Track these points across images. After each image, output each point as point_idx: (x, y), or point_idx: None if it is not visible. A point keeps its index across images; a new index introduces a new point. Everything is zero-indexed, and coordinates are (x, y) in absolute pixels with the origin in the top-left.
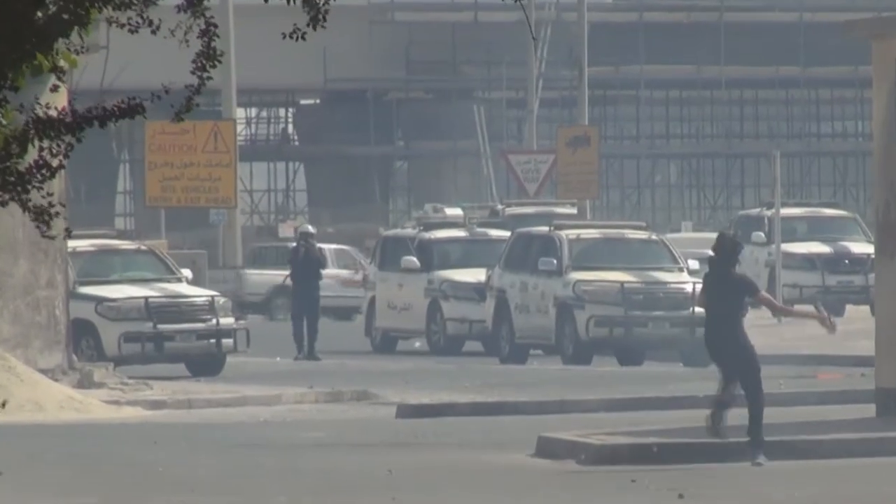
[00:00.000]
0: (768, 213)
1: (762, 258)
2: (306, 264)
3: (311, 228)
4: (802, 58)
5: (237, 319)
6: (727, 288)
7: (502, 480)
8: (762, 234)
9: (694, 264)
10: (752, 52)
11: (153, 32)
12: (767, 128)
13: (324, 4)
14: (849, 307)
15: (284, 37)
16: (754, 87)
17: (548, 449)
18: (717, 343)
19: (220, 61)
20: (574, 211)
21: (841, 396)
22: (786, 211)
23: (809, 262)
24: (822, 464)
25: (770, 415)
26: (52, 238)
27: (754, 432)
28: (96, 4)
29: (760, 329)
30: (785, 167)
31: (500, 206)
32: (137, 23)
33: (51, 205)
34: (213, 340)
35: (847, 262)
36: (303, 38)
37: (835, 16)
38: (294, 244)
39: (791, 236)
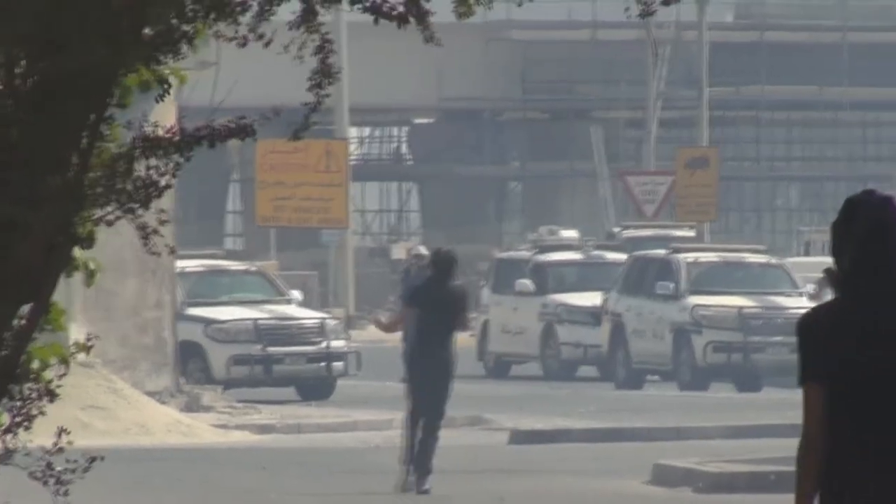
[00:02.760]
0: None
1: None
2: None
3: (423, 250)
4: None
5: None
6: None
7: None
8: None
9: (810, 288)
10: (876, 72)
11: (265, 46)
12: (890, 150)
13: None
14: None
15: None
16: (878, 110)
17: (663, 476)
18: None
19: (337, 78)
20: (692, 234)
21: None
22: None
23: None
24: None
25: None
26: (158, 255)
27: None
28: (206, 19)
29: None
30: None
31: (615, 230)
32: (247, 37)
33: (161, 222)
34: (323, 363)
35: None
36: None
37: None
38: (405, 265)
39: None
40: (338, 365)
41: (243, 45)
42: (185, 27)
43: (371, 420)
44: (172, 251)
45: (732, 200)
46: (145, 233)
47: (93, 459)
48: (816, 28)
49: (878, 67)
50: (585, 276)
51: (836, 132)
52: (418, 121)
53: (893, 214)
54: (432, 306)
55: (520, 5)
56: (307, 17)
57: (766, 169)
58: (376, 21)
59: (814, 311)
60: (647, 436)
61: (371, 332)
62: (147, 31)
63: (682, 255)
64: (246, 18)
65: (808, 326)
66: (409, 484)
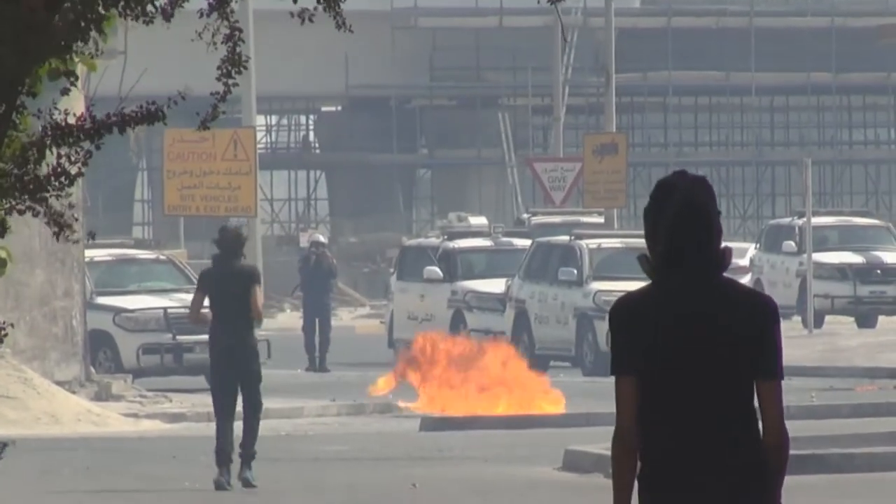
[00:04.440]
0: (799, 222)
1: (793, 268)
2: (317, 274)
3: (322, 238)
4: (834, 64)
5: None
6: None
7: (529, 495)
8: (793, 244)
9: None
10: (783, 57)
11: (167, 20)
12: (798, 135)
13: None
14: (881, 318)
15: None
16: (785, 94)
17: (575, 462)
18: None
19: (245, 67)
20: (601, 220)
21: (874, 409)
22: (817, 220)
23: (841, 272)
24: (855, 478)
25: (803, 428)
26: (76, 242)
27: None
28: (114, 6)
29: (795, 341)
30: (816, 175)
31: (525, 216)
32: (151, 13)
33: (70, 205)
34: None
35: (879, 272)
36: (311, 20)
37: (867, 21)
38: (304, 254)
39: (822, 246)
40: None
41: (150, 23)
42: (94, 14)
43: (281, 408)
44: (92, 237)
45: (641, 186)
46: (60, 222)
47: (4, 445)
48: (723, 13)
49: (785, 52)
50: (494, 262)
51: (743, 117)
52: (326, 109)
53: (706, 196)
54: (221, 287)
55: None
56: (219, 5)
57: (674, 154)
58: (295, 1)
59: (625, 299)
60: (557, 422)
61: (280, 321)
62: (56, 19)
63: (584, 241)
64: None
65: (620, 315)
66: (222, 483)
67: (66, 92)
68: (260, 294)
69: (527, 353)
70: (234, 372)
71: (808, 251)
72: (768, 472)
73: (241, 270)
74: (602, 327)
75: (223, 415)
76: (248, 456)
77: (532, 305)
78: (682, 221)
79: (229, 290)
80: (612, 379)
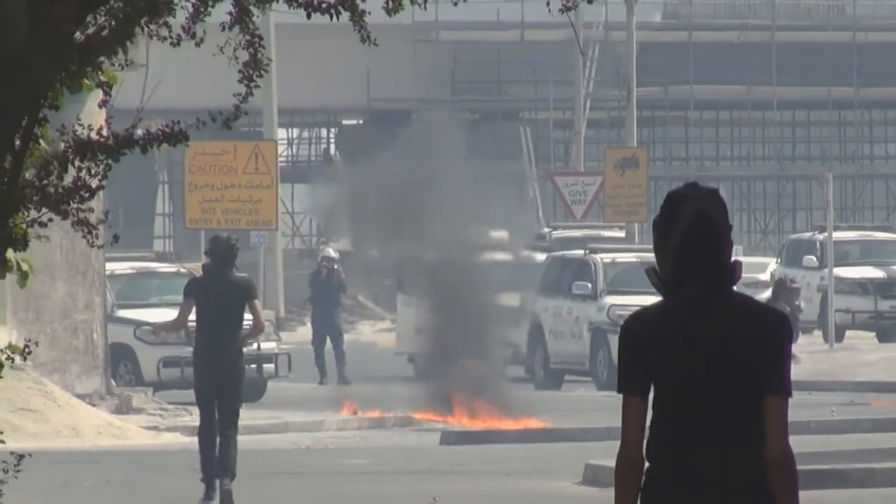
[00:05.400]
0: (820, 236)
1: (814, 283)
2: (328, 288)
3: (332, 252)
4: (856, 78)
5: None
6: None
7: None
8: (814, 259)
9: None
10: (805, 72)
11: (197, 45)
12: (820, 150)
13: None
14: None
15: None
16: (806, 108)
17: (595, 477)
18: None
19: (266, 70)
20: (622, 234)
21: (895, 424)
22: (838, 235)
23: (862, 286)
24: (876, 493)
25: (823, 442)
26: (101, 247)
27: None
28: (139, 22)
29: (815, 355)
30: (837, 190)
31: (545, 230)
32: (180, 36)
33: (90, 210)
34: (253, 365)
35: None
36: (337, 16)
37: (889, 35)
38: (315, 268)
39: (843, 260)
40: (269, 367)
41: (176, 44)
42: (120, 29)
43: (302, 422)
44: (116, 239)
45: (662, 201)
46: (87, 228)
47: (21, 457)
48: (744, 27)
49: (806, 66)
50: (515, 276)
51: (764, 131)
52: (347, 122)
53: (718, 209)
54: (210, 298)
55: (455, 4)
56: (241, 18)
57: (696, 169)
58: (309, 16)
59: (635, 317)
60: (577, 436)
61: (301, 334)
62: (79, 35)
63: (599, 256)
64: (179, 20)
65: (628, 334)
66: (205, 501)
67: (103, 104)
68: (260, 307)
69: (541, 366)
70: (218, 387)
71: (830, 266)
72: (774, 488)
73: (236, 283)
74: (616, 342)
75: (210, 432)
76: (229, 473)
77: (547, 319)
78: (693, 234)
79: (221, 302)
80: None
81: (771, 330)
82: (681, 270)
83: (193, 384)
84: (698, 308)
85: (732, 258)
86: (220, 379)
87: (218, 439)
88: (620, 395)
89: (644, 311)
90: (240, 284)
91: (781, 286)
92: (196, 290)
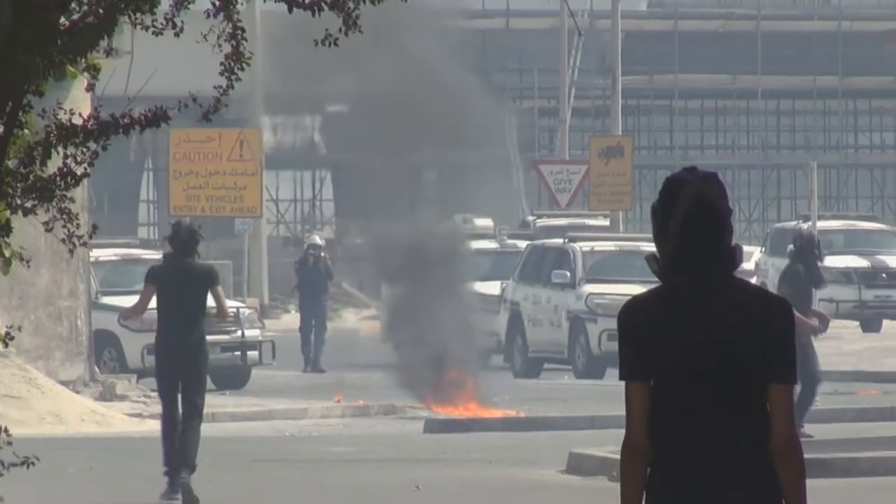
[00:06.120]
0: (804, 226)
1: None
2: (314, 276)
3: (318, 239)
4: (840, 68)
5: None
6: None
7: (533, 497)
8: None
9: None
10: (790, 61)
11: (176, 35)
12: (804, 139)
13: (354, 10)
14: (886, 322)
15: (317, 44)
16: (791, 98)
17: (579, 465)
18: None
19: (248, 64)
20: (607, 223)
21: (879, 413)
22: (822, 224)
23: (846, 276)
24: (860, 482)
25: (808, 431)
26: (84, 244)
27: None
28: (124, 9)
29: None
30: (822, 179)
31: (530, 218)
32: (162, 24)
33: (71, 200)
34: (237, 353)
35: (885, 276)
36: (335, 44)
37: (874, 25)
38: (301, 256)
39: (828, 250)
40: (252, 354)
41: (159, 34)
42: (105, 17)
43: (286, 409)
44: (95, 229)
45: (647, 189)
46: (67, 218)
47: (26, 459)
48: (729, 16)
49: (791, 56)
50: (499, 264)
51: (749, 120)
52: (332, 109)
53: (718, 193)
54: (171, 286)
55: None
56: (226, 6)
57: (680, 158)
58: (290, 10)
59: (634, 303)
60: (561, 424)
61: (284, 322)
62: (64, 22)
63: (578, 244)
64: (163, 7)
65: (628, 320)
66: (168, 494)
67: (90, 88)
68: (222, 294)
69: (521, 355)
70: (180, 376)
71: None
72: (781, 477)
73: (199, 270)
74: (594, 330)
75: (173, 422)
76: (188, 466)
77: (526, 308)
78: (693, 219)
79: (183, 289)
80: (606, 381)
81: (771, 316)
82: (681, 256)
83: (156, 373)
84: (699, 293)
85: (733, 242)
86: (181, 368)
87: (180, 429)
88: (611, 385)
89: (642, 296)
90: (202, 271)
91: (802, 238)
92: (157, 276)
